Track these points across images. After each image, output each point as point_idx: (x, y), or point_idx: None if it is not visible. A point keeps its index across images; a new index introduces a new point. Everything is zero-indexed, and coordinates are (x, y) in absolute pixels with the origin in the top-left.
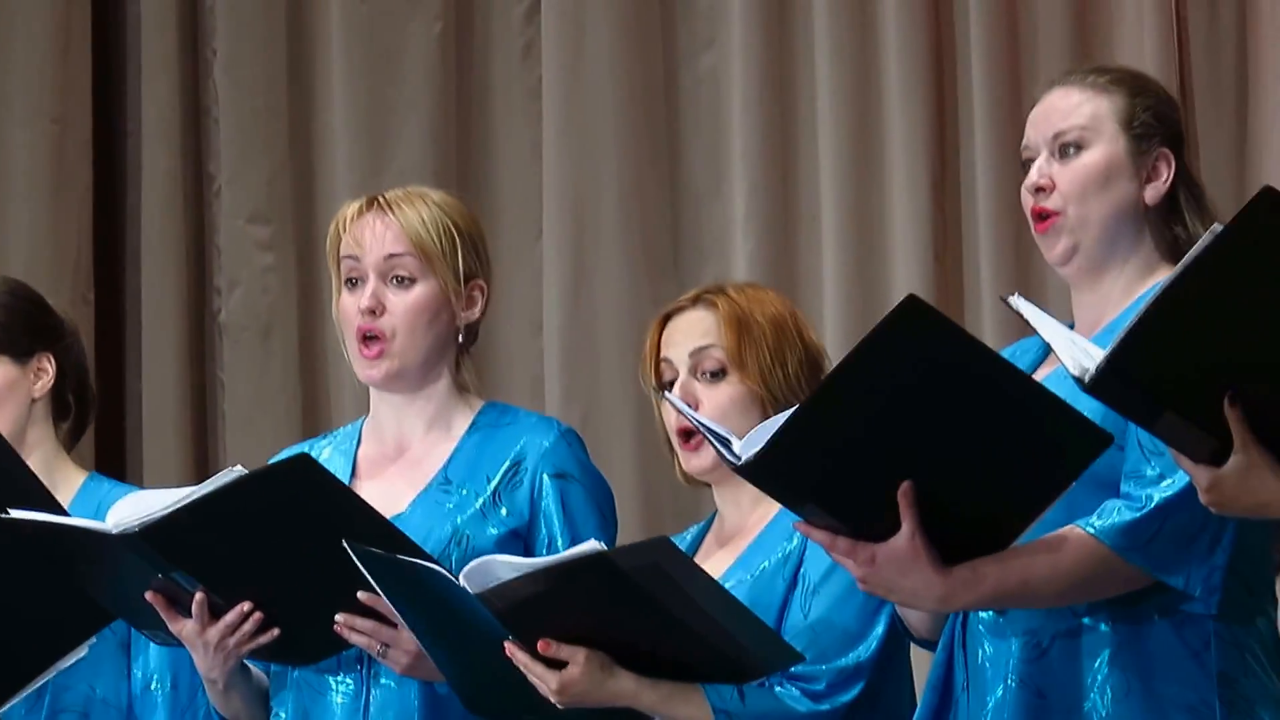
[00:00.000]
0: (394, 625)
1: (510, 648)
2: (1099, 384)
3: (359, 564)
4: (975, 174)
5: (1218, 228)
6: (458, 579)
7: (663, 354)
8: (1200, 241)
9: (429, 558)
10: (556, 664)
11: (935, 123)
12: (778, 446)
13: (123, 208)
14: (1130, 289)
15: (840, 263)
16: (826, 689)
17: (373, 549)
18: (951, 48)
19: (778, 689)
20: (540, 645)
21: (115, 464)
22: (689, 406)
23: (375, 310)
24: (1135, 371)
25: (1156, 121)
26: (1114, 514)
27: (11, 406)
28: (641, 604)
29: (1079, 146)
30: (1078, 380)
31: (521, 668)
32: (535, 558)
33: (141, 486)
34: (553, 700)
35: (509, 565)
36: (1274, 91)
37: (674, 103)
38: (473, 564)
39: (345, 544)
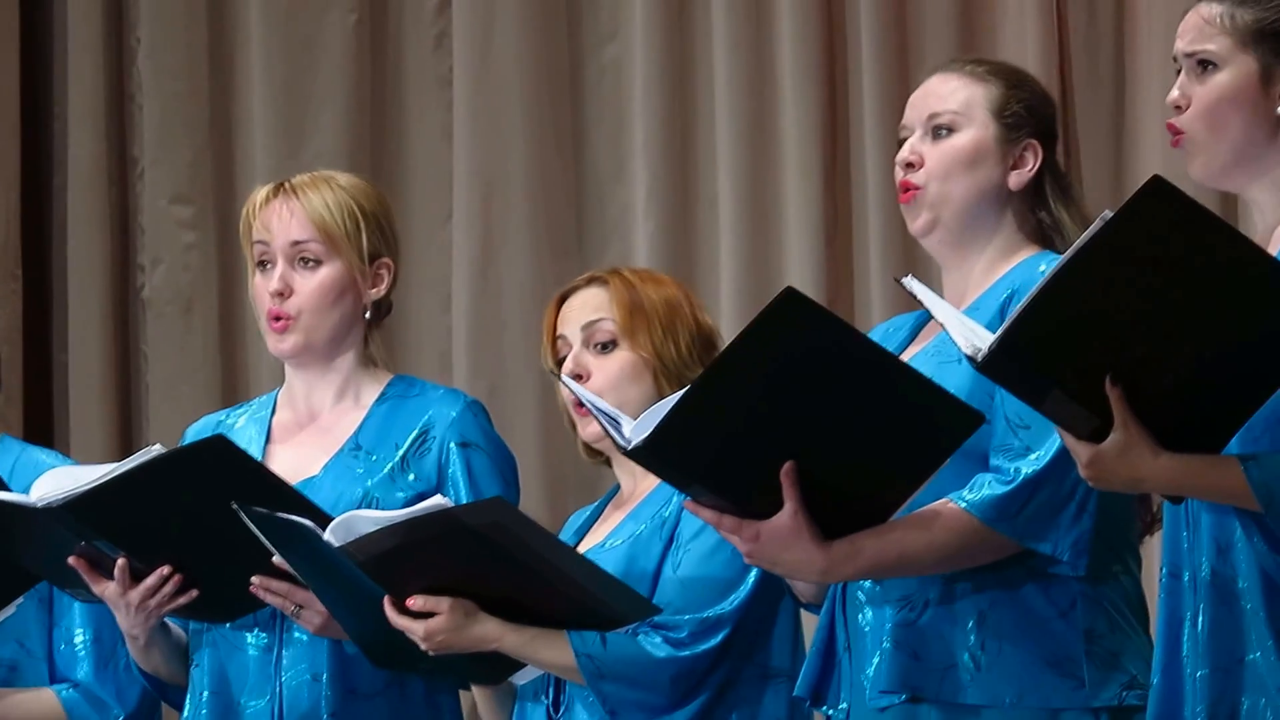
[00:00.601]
0: (306, 587)
1: (386, 603)
2: (990, 363)
3: (250, 525)
4: (865, 162)
5: (1109, 214)
6: (325, 534)
7: (559, 331)
8: (1091, 227)
9: (324, 518)
10: (426, 615)
11: (827, 113)
12: (664, 433)
13: (49, 188)
14: (993, 268)
15: (736, 246)
16: (688, 637)
17: (256, 507)
18: (843, 42)
19: (640, 637)
20: (409, 602)
21: (44, 432)
22: (580, 378)
23: (284, 293)
24: (1024, 351)
25: (1027, 114)
26: (984, 487)
27: None
28: (496, 557)
29: (950, 129)
30: (970, 359)
31: (391, 621)
32: (392, 511)
33: (67, 455)
34: (423, 648)
35: (369, 519)
36: (1149, 89)
37: (579, 92)
38: (337, 519)
39: (234, 506)
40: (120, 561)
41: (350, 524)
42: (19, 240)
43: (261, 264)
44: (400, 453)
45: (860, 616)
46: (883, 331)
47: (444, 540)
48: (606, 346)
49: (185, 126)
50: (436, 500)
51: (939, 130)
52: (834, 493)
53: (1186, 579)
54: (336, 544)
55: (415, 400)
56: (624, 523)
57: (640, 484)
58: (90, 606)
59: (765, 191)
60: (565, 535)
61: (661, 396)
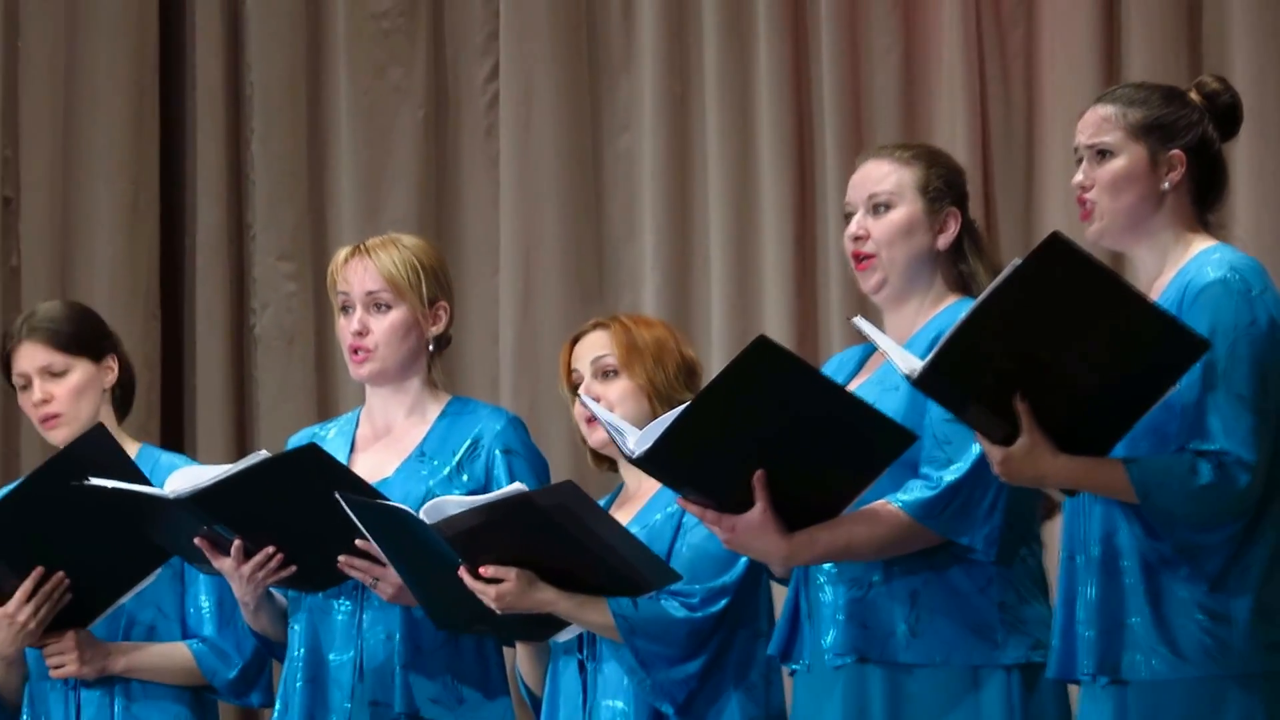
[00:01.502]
0: (383, 564)
1: (461, 571)
2: (923, 381)
3: (349, 511)
4: (828, 229)
5: (1018, 262)
6: (419, 515)
7: (572, 366)
8: (1001, 274)
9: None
10: (496, 581)
11: (797, 190)
12: (660, 447)
13: (183, 247)
14: (925, 312)
15: (723, 295)
16: (699, 602)
17: (358, 497)
18: (810, 132)
19: (663, 601)
20: (481, 569)
21: (176, 441)
22: (596, 400)
23: (362, 332)
24: (949, 372)
25: (946, 187)
26: (915, 490)
27: (92, 395)
28: (555, 533)
29: (888, 206)
30: (907, 377)
31: (468, 584)
32: (476, 496)
33: (194, 457)
34: (493, 607)
35: (456, 503)
36: (1052, 162)
37: (599, 172)
38: (429, 503)
39: (338, 494)
40: (235, 543)
41: (440, 507)
42: (158, 288)
43: (344, 309)
44: (456, 458)
45: (820, 594)
46: (837, 361)
47: (516, 519)
48: (610, 375)
49: (288, 199)
50: (516, 486)
51: (878, 207)
52: (795, 494)
53: (1080, 559)
54: (429, 523)
55: (469, 416)
56: (639, 515)
57: (644, 484)
58: (213, 578)
59: (747, 253)
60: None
61: (655, 415)
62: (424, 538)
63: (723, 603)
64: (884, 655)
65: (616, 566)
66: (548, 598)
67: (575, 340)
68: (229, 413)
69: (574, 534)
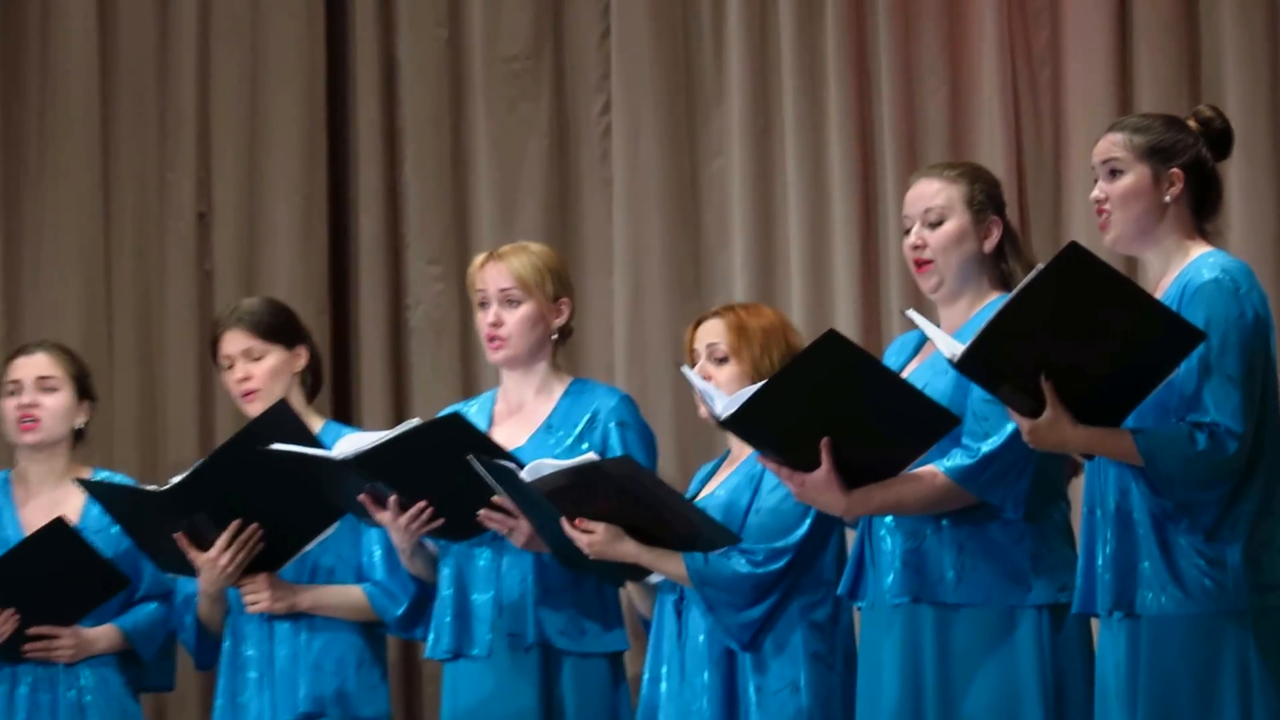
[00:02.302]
0: (516, 517)
1: (563, 521)
2: (962, 364)
3: (481, 470)
4: (888, 237)
5: (1041, 266)
6: (521, 475)
7: (693, 346)
8: (1027, 276)
9: (518, 464)
10: (590, 532)
11: (862, 204)
12: (741, 414)
13: (347, 255)
14: (973, 307)
15: (801, 293)
16: (762, 559)
17: (485, 457)
18: (873, 156)
19: (731, 558)
20: (577, 522)
21: (344, 418)
22: (705, 380)
23: (496, 324)
24: (984, 357)
25: (988, 199)
26: (956, 458)
27: (284, 377)
28: (630, 497)
29: (941, 219)
30: (949, 360)
31: (566, 533)
32: (565, 460)
33: (361, 429)
34: (587, 554)
35: (549, 465)
36: (1074, 179)
37: (696, 190)
38: (530, 464)
39: (470, 457)
40: (392, 498)
41: (538, 468)
42: (328, 288)
43: (482, 304)
44: (577, 430)
45: (881, 543)
46: (899, 344)
47: (594, 482)
48: (722, 360)
49: (436, 213)
50: (589, 455)
51: (932, 221)
52: (855, 458)
53: (1099, 513)
54: (528, 480)
55: (588, 395)
56: (729, 476)
57: (745, 449)
58: (382, 530)
59: (821, 258)
60: (694, 482)
61: None
62: (535, 494)
63: (784, 560)
64: (934, 597)
65: (684, 528)
66: (630, 550)
67: (698, 324)
68: (388, 394)
69: (643, 499)
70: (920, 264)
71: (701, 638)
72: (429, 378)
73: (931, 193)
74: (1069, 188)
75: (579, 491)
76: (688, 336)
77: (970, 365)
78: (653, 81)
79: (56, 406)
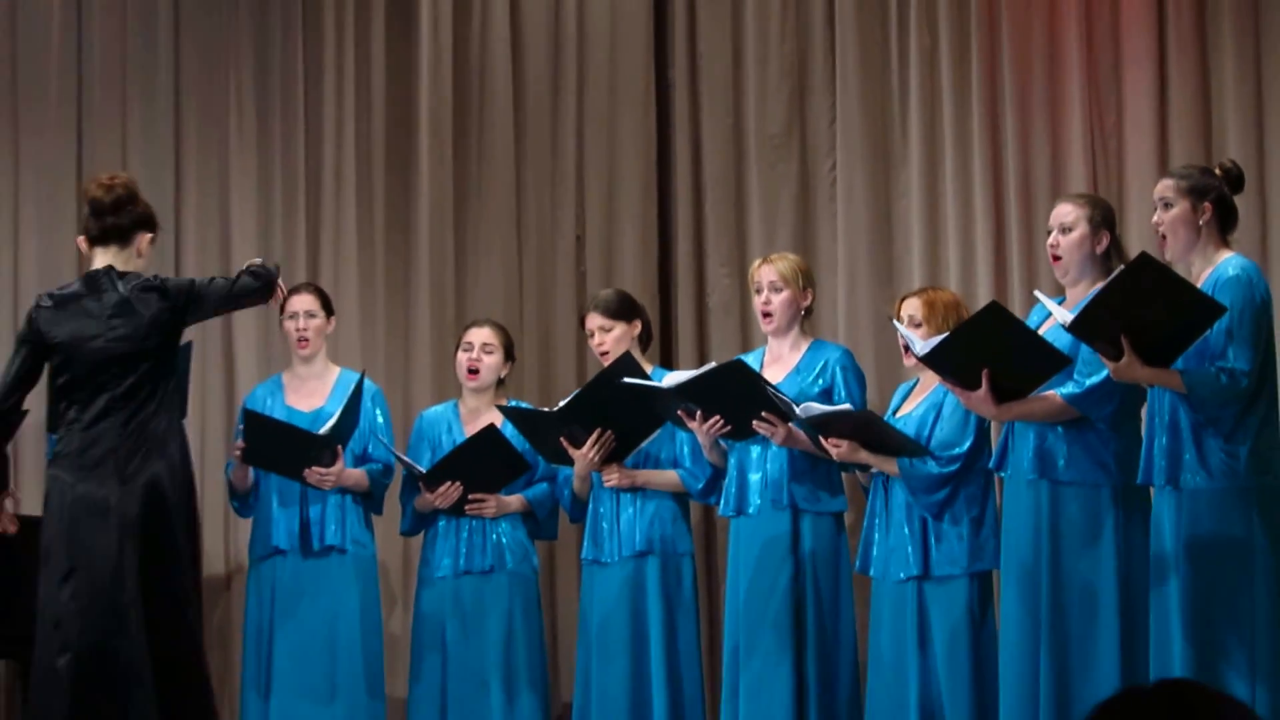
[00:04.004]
0: (776, 425)
1: (820, 439)
2: (1074, 327)
3: (772, 394)
4: (1013, 243)
5: (1121, 267)
6: (797, 411)
7: (901, 314)
8: (1113, 274)
9: (789, 404)
10: (837, 446)
11: (996, 221)
12: (933, 354)
13: (670, 260)
14: (1087, 291)
15: (960, 283)
16: (944, 462)
17: (771, 387)
18: (1004, 193)
19: (926, 462)
20: (827, 440)
21: (668, 364)
22: (912, 336)
23: (767, 304)
24: (1086, 324)
25: (1102, 220)
26: (1070, 387)
27: (626, 341)
28: (863, 426)
29: (1070, 229)
30: (1064, 326)
31: (824, 445)
32: (823, 406)
33: (678, 370)
34: (834, 458)
35: (813, 407)
36: (1133, 207)
37: (890, 219)
38: (802, 405)
39: (766, 385)
40: (699, 412)
41: (808, 409)
42: (656, 282)
43: (757, 292)
44: (815, 372)
45: (1021, 439)
46: (1037, 313)
47: (844, 419)
48: (917, 325)
49: (725, 234)
50: (845, 406)
51: (1065, 230)
52: (1005, 383)
53: (1158, 421)
54: (803, 416)
55: (823, 350)
56: (920, 402)
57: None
58: (686, 433)
59: (970, 258)
60: (895, 397)
61: None
62: (798, 419)
63: (958, 465)
64: (1051, 475)
65: (895, 443)
66: (863, 456)
67: (903, 300)
68: (695, 348)
69: (873, 427)
70: (1056, 259)
71: (901, 505)
72: (721, 344)
73: (1066, 211)
74: (1126, 215)
75: (832, 421)
76: (895, 307)
77: (1078, 328)
78: (862, 150)
79: (492, 363)
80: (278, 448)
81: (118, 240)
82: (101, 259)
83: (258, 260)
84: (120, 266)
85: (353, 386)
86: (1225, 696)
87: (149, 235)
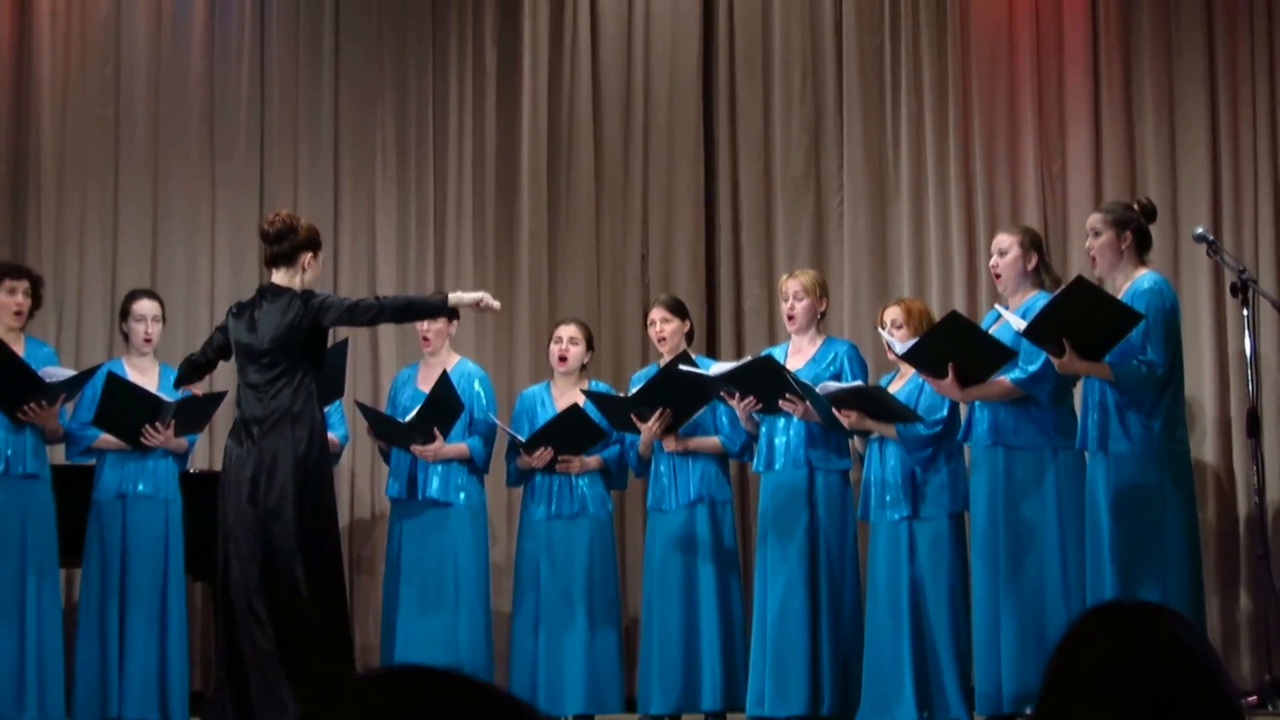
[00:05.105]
0: (796, 403)
1: (833, 411)
2: (1026, 333)
3: (791, 381)
4: (981, 263)
5: (1063, 286)
6: (817, 391)
7: (884, 319)
8: (1057, 291)
9: (810, 390)
10: (848, 416)
11: (968, 245)
12: (910, 352)
13: (714, 273)
14: (1024, 299)
15: (939, 294)
16: (929, 425)
17: (791, 375)
18: (974, 222)
19: (916, 426)
20: (840, 411)
21: (713, 355)
22: (892, 339)
23: (791, 310)
24: (1036, 330)
25: (1031, 244)
26: (1016, 373)
27: (679, 336)
28: (870, 400)
29: (1004, 253)
30: (1018, 332)
31: (842, 420)
32: (840, 384)
33: (721, 361)
34: (845, 426)
35: (830, 385)
36: (1073, 236)
37: (886, 243)
38: (821, 385)
39: (785, 372)
40: (737, 393)
41: (826, 387)
42: (704, 290)
43: (784, 300)
44: (827, 361)
45: (978, 413)
46: (989, 318)
47: (858, 395)
48: (899, 327)
49: (757, 253)
50: (859, 383)
51: (1002, 253)
52: (968, 370)
53: (1090, 400)
54: (821, 393)
55: (833, 345)
56: (902, 385)
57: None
58: (731, 408)
59: (948, 274)
60: (881, 382)
61: None
62: (818, 396)
63: (939, 427)
64: (1004, 441)
65: (893, 411)
66: (870, 424)
67: (884, 309)
68: (733, 343)
69: (881, 401)
70: (997, 275)
71: (893, 461)
72: (753, 335)
73: (1003, 239)
74: (1069, 240)
75: (847, 396)
76: (880, 315)
77: (1031, 334)
78: (865, 188)
79: (577, 352)
80: (389, 430)
81: (285, 262)
82: (275, 277)
83: (385, 296)
84: (287, 283)
85: (437, 383)
86: (1177, 614)
87: (310, 254)
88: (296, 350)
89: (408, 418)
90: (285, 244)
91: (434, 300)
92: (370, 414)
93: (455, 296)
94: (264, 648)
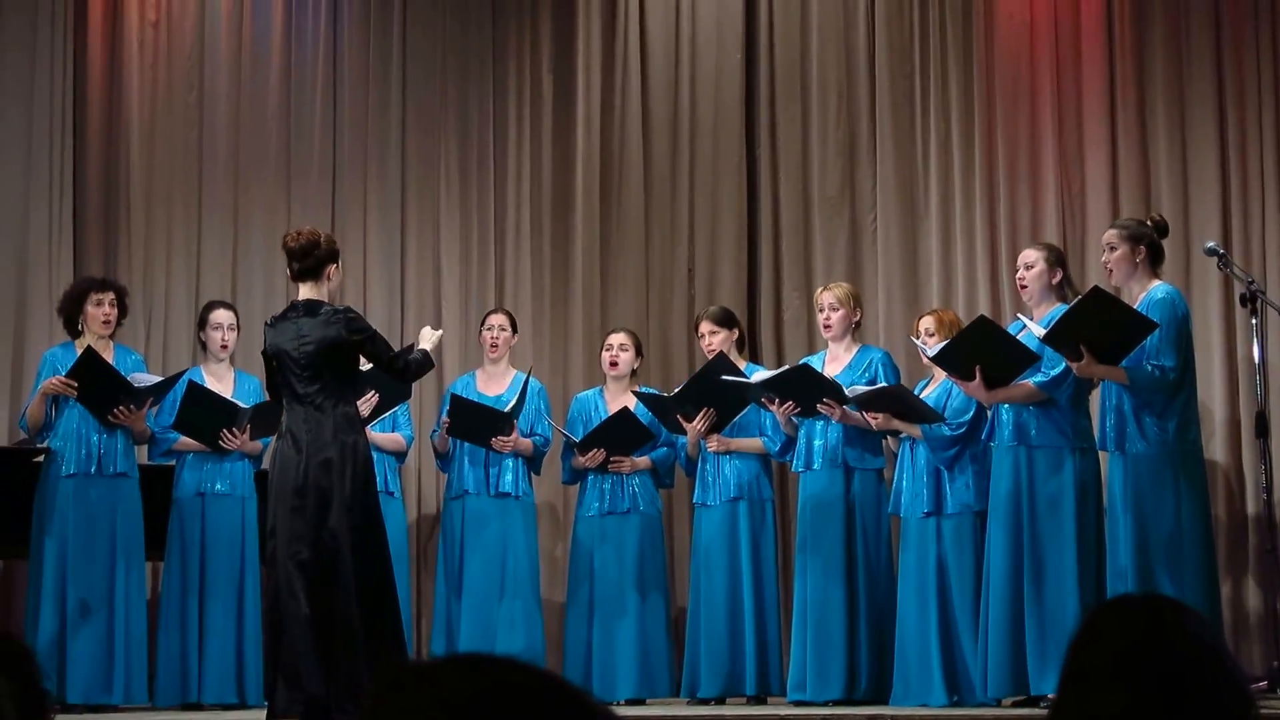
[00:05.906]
0: (833, 407)
1: (864, 414)
2: (1046, 339)
3: (826, 385)
4: (1006, 276)
5: (1080, 296)
6: (845, 393)
7: (919, 328)
8: (1076, 299)
9: (837, 388)
10: (875, 417)
11: (991, 259)
12: (940, 355)
13: (755, 286)
14: (1047, 311)
15: (964, 303)
16: (953, 428)
17: (828, 380)
18: (998, 237)
19: (941, 428)
20: (867, 414)
21: (756, 361)
22: (925, 345)
23: (827, 319)
24: (1056, 336)
25: (1056, 259)
26: (1039, 378)
27: (728, 344)
28: (898, 402)
29: (1031, 267)
30: (1039, 339)
31: (871, 422)
32: (863, 387)
33: (764, 368)
34: (873, 427)
35: (862, 388)
36: (1091, 251)
37: (917, 255)
38: (850, 388)
39: (822, 377)
40: (778, 398)
41: (854, 390)
42: (746, 301)
43: (819, 310)
44: (863, 368)
45: (1003, 415)
46: (1014, 326)
47: (885, 397)
48: (932, 335)
49: (796, 267)
50: (884, 384)
51: (1028, 267)
52: (992, 374)
53: (1109, 404)
54: (850, 395)
55: (868, 352)
56: (934, 389)
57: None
58: (772, 413)
59: (974, 286)
60: (915, 389)
61: None
62: (849, 399)
63: (964, 429)
64: (1026, 442)
65: (919, 412)
66: (897, 424)
67: (920, 318)
68: (774, 351)
69: (907, 402)
70: (1023, 287)
71: (923, 460)
72: (792, 344)
73: (1029, 254)
74: (1087, 254)
75: (875, 399)
76: (915, 324)
77: (1051, 340)
78: (897, 205)
79: (628, 359)
80: (472, 422)
81: (310, 277)
82: (303, 291)
83: (419, 353)
84: (315, 295)
85: (523, 383)
86: (1185, 606)
87: (333, 265)
88: (338, 361)
89: (507, 407)
90: (311, 259)
91: (424, 357)
92: (462, 403)
93: (422, 348)
94: (303, 637)
